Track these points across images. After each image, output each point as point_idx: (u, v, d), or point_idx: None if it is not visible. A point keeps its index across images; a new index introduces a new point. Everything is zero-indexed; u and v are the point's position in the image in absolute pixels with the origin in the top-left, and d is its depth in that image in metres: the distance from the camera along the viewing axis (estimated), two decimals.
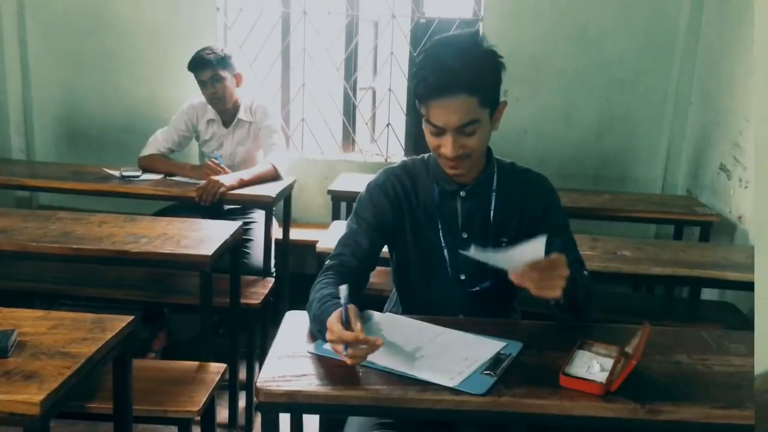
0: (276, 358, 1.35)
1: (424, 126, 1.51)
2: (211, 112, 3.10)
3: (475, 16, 3.55)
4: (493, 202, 1.61)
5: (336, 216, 3.01)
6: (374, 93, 3.95)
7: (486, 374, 1.29)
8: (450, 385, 1.24)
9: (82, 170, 3.04)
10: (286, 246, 3.17)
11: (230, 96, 3.03)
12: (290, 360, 1.35)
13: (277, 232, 3.11)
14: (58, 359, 1.29)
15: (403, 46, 3.64)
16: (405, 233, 1.64)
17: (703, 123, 3.29)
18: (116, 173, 2.94)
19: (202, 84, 2.99)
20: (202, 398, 1.87)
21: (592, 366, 1.32)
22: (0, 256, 2.06)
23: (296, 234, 3.33)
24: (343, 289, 1.36)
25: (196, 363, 2.07)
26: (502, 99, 1.52)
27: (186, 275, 2.71)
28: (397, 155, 3.76)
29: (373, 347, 1.26)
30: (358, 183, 3.14)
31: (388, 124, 3.70)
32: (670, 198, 3.36)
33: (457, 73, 1.41)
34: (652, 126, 3.54)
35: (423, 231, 1.63)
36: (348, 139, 3.80)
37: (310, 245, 3.43)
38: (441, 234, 1.62)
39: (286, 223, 3.17)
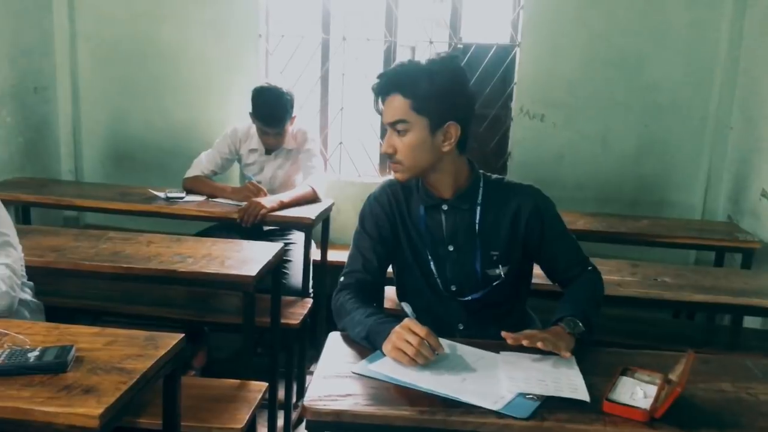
0: (322, 378, 1.39)
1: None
2: (254, 142, 3.17)
3: (512, 41, 3.59)
4: (477, 215, 1.68)
5: None
6: None
7: (529, 398, 1.30)
8: (493, 408, 1.26)
9: (128, 191, 3.13)
10: (324, 267, 3.21)
11: (285, 141, 3.11)
12: (335, 380, 1.38)
13: (315, 254, 3.16)
14: (115, 374, 1.34)
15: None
16: (401, 244, 1.73)
17: (744, 148, 3.26)
18: (161, 194, 3.03)
19: (264, 133, 3.07)
20: (244, 416, 1.90)
21: (636, 392, 1.33)
22: (53, 274, 2.11)
23: (333, 255, 3.37)
24: (407, 305, 1.52)
25: (237, 381, 2.11)
26: (457, 124, 1.59)
27: (225, 295, 2.78)
28: None
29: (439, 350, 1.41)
30: None
31: None
32: (710, 224, 3.32)
33: (391, 76, 1.60)
34: (692, 151, 3.52)
35: (414, 243, 1.71)
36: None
37: None
38: (427, 247, 1.70)
39: (324, 245, 3.21)
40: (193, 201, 3.00)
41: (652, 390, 1.33)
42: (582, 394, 1.33)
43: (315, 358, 3.21)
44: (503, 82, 3.64)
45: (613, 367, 1.43)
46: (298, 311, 2.75)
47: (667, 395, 1.28)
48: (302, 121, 3.35)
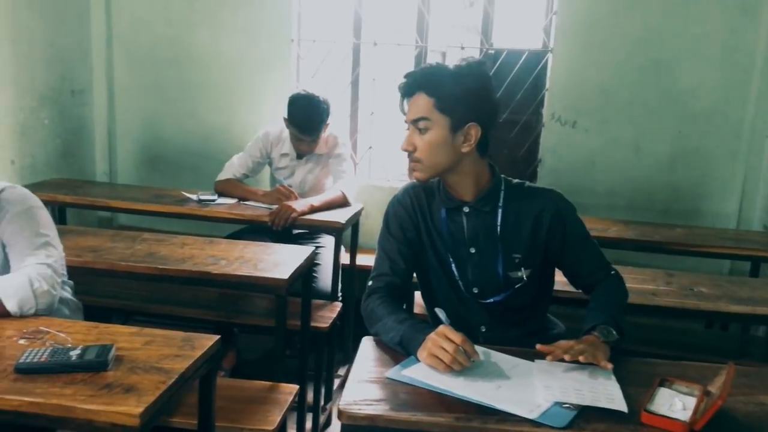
0: (356, 382, 1.39)
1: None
2: (286, 147, 3.20)
3: (545, 47, 3.57)
4: (499, 217, 1.68)
5: None
6: None
7: (566, 407, 1.29)
8: (530, 417, 1.25)
9: (162, 193, 3.18)
10: (352, 271, 3.23)
11: (317, 146, 3.14)
12: (370, 385, 1.39)
13: (344, 258, 3.17)
14: (154, 374, 1.37)
15: None
16: (424, 246, 1.73)
17: None
18: (194, 197, 3.06)
19: (298, 139, 3.09)
20: (276, 418, 1.92)
21: (674, 404, 1.31)
22: (89, 274, 2.15)
23: (362, 260, 3.37)
24: (440, 311, 1.54)
25: (268, 383, 2.13)
26: (480, 126, 1.61)
27: (254, 297, 2.81)
28: None
29: (474, 357, 1.43)
30: None
31: None
32: (746, 233, 3.26)
33: (418, 76, 1.62)
34: (727, 159, 3.46)
35: (437, 246, 1.72)
36: None
37: None
38: (449, 249, 1.70)
39: (354, 249, 3.22)
40: (225, 203, 3.03)
41: (691, 402, 1.31)
42: (619, 404, 1.31)
43: (343, 361, 3.25)
44: (534, 88, 3.62)
45: (649, 378, 1.42)
46: (327, 315, 2.76)
47: (707, 407, 1.26)
48: (333, 125, 3.37)
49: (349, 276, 3.21)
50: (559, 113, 3.53)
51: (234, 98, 3.76)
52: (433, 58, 3.80)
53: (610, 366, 1.43)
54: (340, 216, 2.94)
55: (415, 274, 1.80)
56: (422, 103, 1.59)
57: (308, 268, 2.38)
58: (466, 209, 1.69)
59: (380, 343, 1.58)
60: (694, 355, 2.14)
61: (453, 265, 1.70)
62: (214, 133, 3.80)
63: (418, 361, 1.45)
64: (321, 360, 2.74)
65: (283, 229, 2.89)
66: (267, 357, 3.16)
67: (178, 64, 3.78)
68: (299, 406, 2.53)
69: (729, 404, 1.33)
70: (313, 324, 2.59)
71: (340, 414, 1.28)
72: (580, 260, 1.74)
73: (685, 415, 1.26)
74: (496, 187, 1.70)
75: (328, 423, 2.87)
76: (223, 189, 3.15)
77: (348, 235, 3.19)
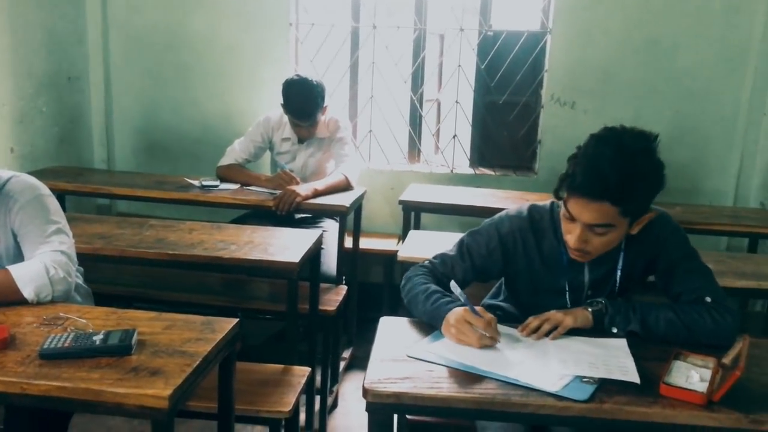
0: (379, 361, 1.41)
1: (562, 207, 1.54)
2: (287, 131, 3.19)
3: (543, 28, 3.57)
4: (620, 261, 1.63)
5: (407, 225, 3.06)
6: (439, 105, 4.00)
7: (586, 381, 1.32)
8: (552, 390, 1.28)
9: (163, 180, 3.17)
10: (355, 255, 3.24)
11: (317, 130, 3.14)
12: (392, 363, 1.41)
13: (346, 241, 3.18)
14: (178, 357, 1.38)
15: (470, 58, 3.69)
16: (517, 281, 1.71)
17: None
18: (196, 182, 3.06)
19: (296, 125, 3.09)
20: (291, 400, 1.94)
21: (691, 376, 1.34)
22: (93, 260, 2.15)
23: (364, 243, 3.39)
24: (456, 287, 1.51)
25: (280, 366, 2.15)
26: (650, 209, 1.54)
27: (258, 282, 2.81)
28: (462, 166, 3.80)
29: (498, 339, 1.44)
30: (428, 193, 3.21)
31: (454, 136, 3.75)
32: (743, 210, 3.30)
33: (608, 183, 1.42)
34: (724, 138, 3.50)
35: (543, 285, 1.67)
36: (414, 150, 3.87)
37: (377, 254, 3.55)
38: (567, 294, 1.66)
39: (356, 232, 3.23)
40: (228, 189, 3.03)
41: (707, 374, 1.34)
42: (632, 376, 1.34)
43: (347, 344, 3.28)
44: (534, 69, 3.63)
45: (663, 352, 1.45)
46: (333, 298, 2.78)
47: (725, 378, 1.29)
48: (333, 109, 3.36)
49: (353, 260, 3.22)
50: (558, 94, 3.54)
51: (232, 83, 3.74)
52: (431, 41, 3.80)
53: (569, 322, 1.51)
54: (344, 199, 2.95)
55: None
56: (607, 211, 1.45)
57: (316, 252, 2.39)
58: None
59: (398, 323, 1.60)
60: None
61: (569, 305, 1.64)
62: (213, 119, 3.78)
63: (442, 336, 1.48)
64: (328, 343, 2.76)
65: (287, 213, 2.89)
66: (271, 341, 3.17)
67: (175, 50, 3.74)
68: (308, 389, 2.55)
69: (743, 375, 1.36)
70: (320, 307, 2.60)
71: (366, 392, 1.30)
72: (670, 283, 1.63)
73: (702, 387, 1.29)
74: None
75: (335, 405, 2.89)
76: (226, 174, 3.15)
77: (350, 219, 3.20)
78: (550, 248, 1.64)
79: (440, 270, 1.66)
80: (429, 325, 1.55)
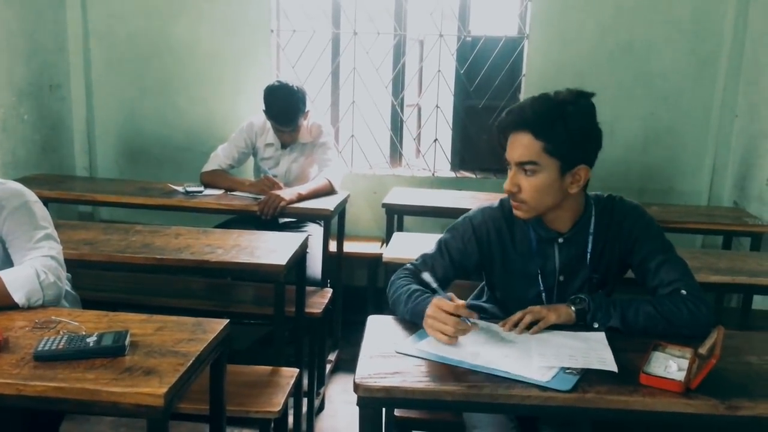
0: (368, 358, 1.45)
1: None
2: (270, 137, 3.22)
3: (520, 33, 3.64)
4: (590, 245, 1.68)
5: (390, 228, 3.10)
6: (419, 110, 4.06)
7: (569, 372, 1.37)
8: (541, 380, 1.32)
9: (147, 186, 3.17)
10: (340, 258, 3.27)
11: (300, 135, 3.16)
12: (381, 359, 1.44)
13: (330, 245, 3.21)
14: (171, 357, 1.40)
15: (450, 63, 3.75)
16: (494, 272, 1.74)
17: (750, 135, 3.33)
18: (180, 188, 3.07)
19: (278, 130, 3.13)
20: (280, 401, 1.96)
21: (669, 366, 1.39)
22: (78, 266, 2.15)
23: (348, 247, 3.42)
24: (427, 275, 1.55)
25: (269, 368, 2.17)
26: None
27: (244, 286, 2.83)
28: (444, 170, 3.86)
29: (473, 323, 1.47)
30: (411, 196, 3.26)
31: (435, 140, 3.80)
32: (717, 209, 3.39)
33: (527, 113, 1.54)
34: (698, 139, 3.59)
35: (518, 273, 1.71)
36: (396, 154, 3.91)
37: (361, 257, 3.59)
38: (540, 278, 1.70)
39: (340, 236, 3.27)
40: (212, 194, 3.05)
41: (684, 363, 1.40)
42: (610, 365, 1.39)
43: (332, 347, 3.30)
44: (512, 74, 3.70)
45: (641, 344, 1.50)
46: (319, 301, 2.81)
47: (701, 367, 1.35)
48: (314, 114, 3.39)
49: (337, 263, 3.26)
50: None
51: (214, 90, 3.76)
52: (411, 47, 3.85)
53: (551, 318, 1.55)
54: (328, 203, 2.98)
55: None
56: (530, 145, 1.53)
57: (302, 255, 2.42)
58: (560, 240, 1.67)
59: (385, 321, 1.64)
60: None
61: (544, 294, 1.70)
62: (195, 126, 3.80)
63: (426, 334, 1.52)
64: (314, 345, 2.79)
65: (271, 218, 2.92)
66: (256, 345, 3.19)
67: (157, 57, 3.76)
68: (296, 391, 2.58)
69: (719, 364, 1.41)
70: (306, 310, 2.63)
71: (357, 387, 1.33)
72: (645, 275, 1.68)
73: (680, 375, 1.35)
74: (588, 214, 1.67)
75: (321, 407, 2.92)
76: (210, 180, 3.17)
77: (334, 223, 3.23)
78: (522, 235, 1.70)
79: (422, 270, 1.68)
80: (413, 323, 1.58)
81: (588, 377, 1.36)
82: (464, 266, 1.72)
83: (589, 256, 1.68)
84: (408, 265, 1.72)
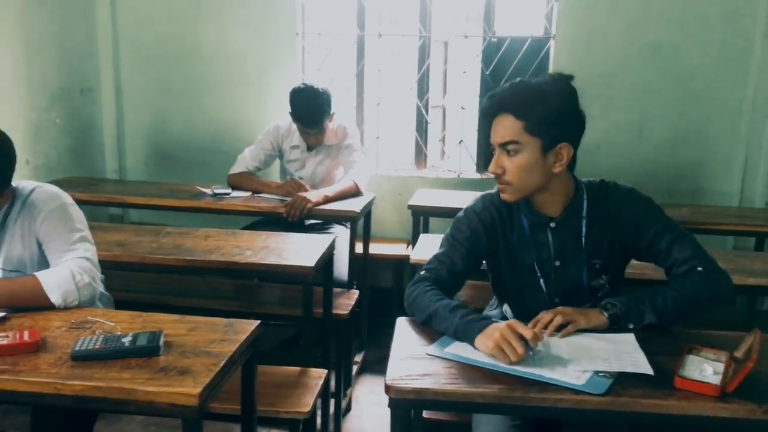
0: (398, 359, 1.45)
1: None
2: (296, 139, 3.24)
3: (547, 34, 3.62)
4: (584, 229, 1.67)
5: (417, 229, 3.10)
6: (444, 111, 4.05)
7: (602, 376, 1.36)
8: (577, 384, 1.31)
9: (175, 188, 3.21)
10: (366, 259, 3.28)
11: (325, 137, 3.18)
12: (411, 361, 1.44)
13: (356, 247, 3.22)
14: (204, 357, 1.42)
15: (475, 64, 3.74)
16: (499, 259, 1.73)
17: None
18: (208, 191, 3.10)
19: (304, 132, 3.15)
20: (309, 401, 1.98)
21: (705, 369, 1.37)
22: (119, 268, 2.20)
23: (373, 248, 3.42)
24: (508, 309, 1.60)
25: (297, 368, 2.19)
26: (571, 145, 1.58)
27: (270, 287, 2.85)
28: (469, 171, 3.85)
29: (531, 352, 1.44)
30: (436, 198, 3.25)
31: (461, 141, 3.79)
32: (749, 210, 3.34)
33: (504, 95, 1.58)
34: (729, 139, 3.54)
35: (517, 258, 1.71)
36: (421, 155, 3.91)
37: (386, 259, 3.59)
38: (535, 263, 1.70)
39: (366, 238, 3.27)
40: (240, 197, 3.08)
41: (720, 367, 1.38)
42: (645, 368, 1.38)
43: (359, 348, 3.31)
44: (537, 74, 3.67)
45: (674, 347, 1.48)
46: (345, 302, 2.82)
47: (737, 371, 1.32)
48: (340, 116, 3.41)
49: (363, 265, 3.26)
50: None
51: (241, 93, 3.80)
52: (436, 48, 3.85)
53: (581, 322, 1.54)
54: (355, 205, 2.99)
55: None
56: (510, 125, 1.56)
57: (330, 256, 2.43)
58: (552, 225, 1.68)
59: (414, 323, 1.63)
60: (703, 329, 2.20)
61: (541, 279, 1.70)
62: (222, 129, 3.84)
63: (451, 341, 1.50)
64: (341, 347, 2.80)
65: (298, 220, 2.94)
66: (283, 347, 3.21)
67: (184, 61, 3.80)
68: (324, 392, 2.59)
69: (755, 368, 1.39)
70: (333, 311, 2.64)
71: (388, 388, 1.33)
72: (657, 256, 1.67)
73: (716, 379, 1.33)
74: (579, 198, 1.67)
75: (348, 408, 2.93)
76: (237, 182, 3.19)
77: (360, 224, 3.24)
78: (517, 221, 1.71)
79: (439, 271, 1.67)
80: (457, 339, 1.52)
81: (621, 380, 1.35)
82: (477, 253, 1.72)
83: (584, 241, 1.68)
84: (422, 273, 1.69)
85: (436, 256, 1.72)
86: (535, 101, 1.54)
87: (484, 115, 1.64)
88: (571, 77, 1.62)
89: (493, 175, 1.66)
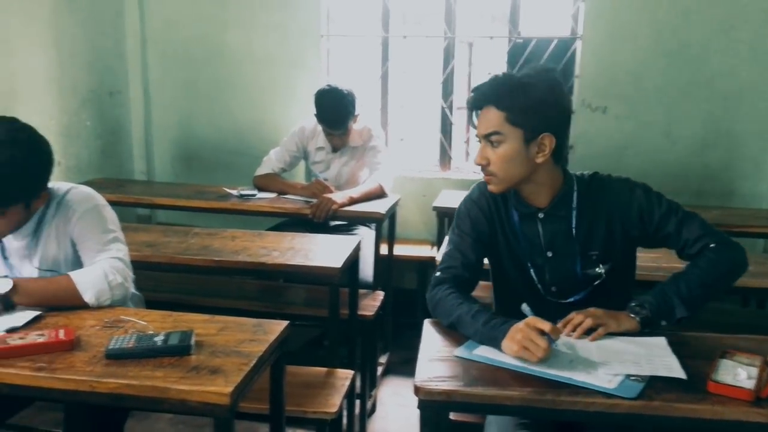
0: (426, 361, 1.45)
1: None
2: (321, 140, 3.26)
3: (573, 34, 3.60)
4: (574, 220, 1.67)
5: (441, 231, 3.10)
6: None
7: (634, 379, 1.34)
8: (609, 388, 1.30)
9: (202, 190, 3.26)
10: (390, 261, 3.28)
11: (350, 138, 3.20)
12: (439, 363, 1.45)
13: (381, 248, 3.22)
14: (234, 357, 1.43)
15: (500, 65, 3.72)
16: (499, 246, 1.74)
17: None
18: (234, 192, 3.14)
19: (329, 133, 3.17)
20: (336, 401, 1.99)
21: (738, 374, 1.35)
22: (148, 268, 2.23)
23: (398, 250, 3.43)
24: (525, 307, 1.56)
25: (324, 369, 2.20)
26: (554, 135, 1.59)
27: (295, 288, 2.86)
28: None
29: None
30: (461, 199, 3.21)
31: None
32: None
33: (486, 89, 1.61)
34: (759, 141, 3.48)
35: (512, 249, 1.73)
36: (445, 157, 3.91)
37: (411, 260, 3.59)
38: (526, 254, 1.71)
39: (391, 239, 3.28)
40: (266, 198, 3.10)
41: (753, 371, 1.36)
42: (678, 372, 1.36)
43: (383, 349, 3.32)
44: (564, 75, 3.64)
45: (706, 351, 1.47)
46: (371, 303, 2.82)
47: None
48: (364, 117, 3.41)
49: (388, 266, 3.27)
50: (589, 100, 3.56)
51: (266, 95, 3.83)
52: (461, 49, 3.84)
53: (612, 326, 1.54)
54: (380, 206, 3.00)
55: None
56: (493, 117, 1.59)
57: (355, 258, 2.44)
58: (540, 215, 1.68)
59: (441, 324, 1.63)
60: (735, 334, 2.16)
61: (532, 270, 1.71)
62: (248, 130, 3.87)
63: (477, 344, 1.50)
64: (367, 348, 2.81)
65: (323, 221, 2.95)
66: (308, 347, 3.23)
67: (211, 63, 3.85)
68: (349, 393, 2.60)
69: None
70: (359, 313, 2.65)
71: (417, 390, 1.34)
72: (667, 240, 1.67)
73: (750, 384, 1.31)
74: (569, 189, 1.68)
75: (373, 409, 2.93)
76: (263, 184, 3.22)
77: (385, 226, 3.24)
78: (507, 213, 1.73)
79: (455, 269, 1.69)
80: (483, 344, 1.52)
81: (653, 384, 1.34)
82: (483, 241, 1.73)
83: (575, 231, 1.67)
84: (438, 275, 1.70)
85: (447, 253, 1.75)
86: (516, 93, 1.57)
87: (470, 108, 1.67)
88: (554, 69, 1.67)
89: None
